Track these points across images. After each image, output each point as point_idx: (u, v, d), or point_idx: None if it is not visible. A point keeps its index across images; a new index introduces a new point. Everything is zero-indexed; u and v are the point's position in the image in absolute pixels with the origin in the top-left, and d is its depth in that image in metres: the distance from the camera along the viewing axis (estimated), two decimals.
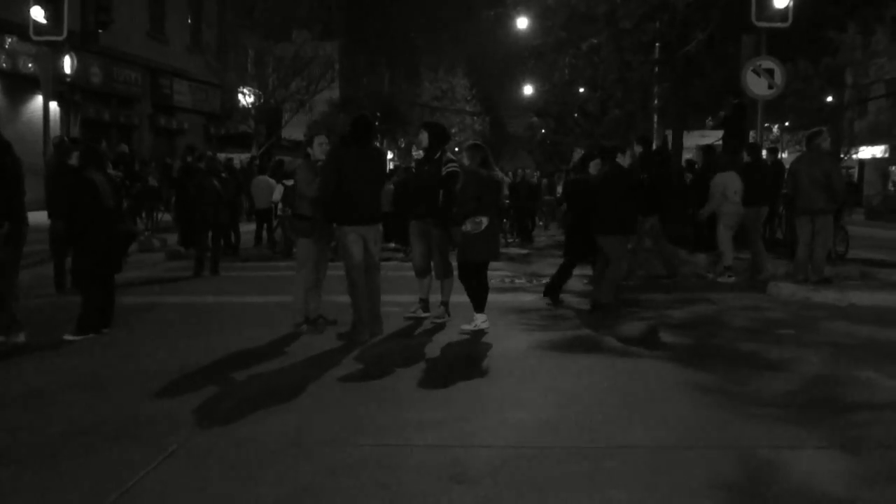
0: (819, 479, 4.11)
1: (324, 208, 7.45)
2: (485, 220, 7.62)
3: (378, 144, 11.76)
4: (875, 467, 4.30)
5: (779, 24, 12.77)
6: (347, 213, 7.35)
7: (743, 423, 5.01)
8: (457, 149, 14.13)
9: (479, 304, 7.80)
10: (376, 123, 9.69)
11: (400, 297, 8.87)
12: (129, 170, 14.08)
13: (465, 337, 7.50)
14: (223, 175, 12.74)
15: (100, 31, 16.05)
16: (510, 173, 21.93)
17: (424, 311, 8.37)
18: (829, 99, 30.72)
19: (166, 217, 18.38)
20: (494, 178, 8.03)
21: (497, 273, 11.38)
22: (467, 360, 6.71)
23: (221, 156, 18.73)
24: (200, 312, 8.84)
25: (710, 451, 4.50)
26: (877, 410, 5.34)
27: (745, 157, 11.60)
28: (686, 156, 18.64)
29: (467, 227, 7.64)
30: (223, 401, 5.44)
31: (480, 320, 7.74)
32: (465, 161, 7.95)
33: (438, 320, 8.18)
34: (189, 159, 15.65)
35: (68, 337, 7.20)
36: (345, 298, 7.58)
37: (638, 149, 11.51)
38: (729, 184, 11.24)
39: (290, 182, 10.54)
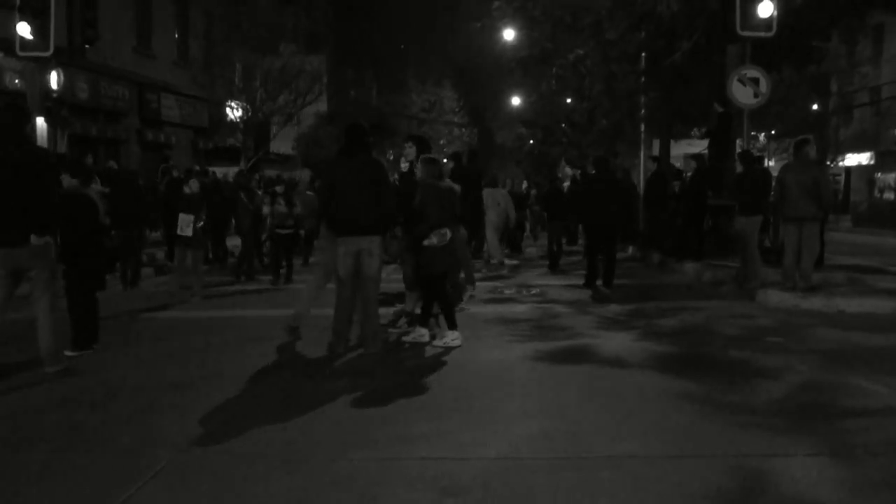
0: (810, 486, 4.12)
1: (326, 222, 7.63)
2: (449, 232, 7.60)
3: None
4: (866, 474, 4.31)
5: (763, 34, 12.85)
6: (337, 224, 7.36)
7: (733, 431, 5.01)
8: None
9: (451, 321, 7.70)
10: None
11: (388, 309, 8.85)
12: (114, 187, 13.95)
13: (454, 349, 7.49)
14: (252, 189, 14.45)
15: (86, 46, 16.01)
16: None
17: (410, 325, 8.34)
18: (815, 107, 30.94)
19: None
20: (452, 188, 8.06)
21: (486, 284, 11.36)
22: (457, 372, 6.69)
23: (218, 171, 18.75)
24: (189, 327, 8.79)
25: (700, 459, 4.50)
26: (867, 417, 5.36)
27: (739, 167, 11.65)
28: (675, 164, 18.75)
29: (433, 239, 7.56)
30: (212, 416, 5.41)
31: (451, 338, 7.62)
32: (421, 174, 7.89)
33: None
34: (175, 174, 15.60)
35: (67, 353, 7.16)
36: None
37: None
38: (493, 197, 13.92)
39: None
